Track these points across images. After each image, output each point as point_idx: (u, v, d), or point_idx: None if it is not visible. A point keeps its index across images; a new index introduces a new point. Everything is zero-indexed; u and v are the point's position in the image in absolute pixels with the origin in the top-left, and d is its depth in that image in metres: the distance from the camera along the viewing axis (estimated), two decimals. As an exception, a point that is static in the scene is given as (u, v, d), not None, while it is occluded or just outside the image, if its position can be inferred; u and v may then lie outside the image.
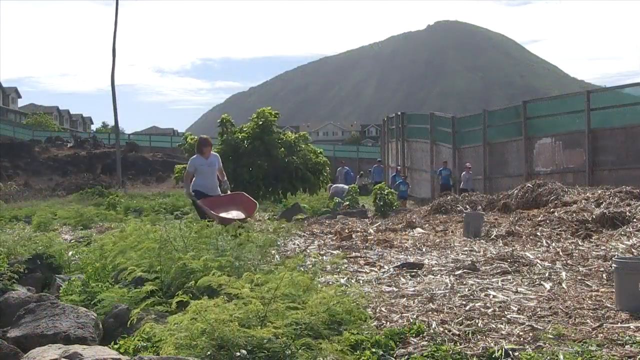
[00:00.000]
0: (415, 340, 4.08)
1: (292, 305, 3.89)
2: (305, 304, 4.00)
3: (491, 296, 5.21)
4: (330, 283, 5.69)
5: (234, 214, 8.08)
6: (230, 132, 17.26)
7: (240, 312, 3.61)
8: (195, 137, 18.29)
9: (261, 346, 3.53)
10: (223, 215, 7.97)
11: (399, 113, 31.00)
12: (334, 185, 21.08)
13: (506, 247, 8.04)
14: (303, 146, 17.63)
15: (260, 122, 17.03)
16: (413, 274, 6.38)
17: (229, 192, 9.10)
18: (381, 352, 3.84)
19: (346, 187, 18.79)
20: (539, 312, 4.66)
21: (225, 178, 9.10)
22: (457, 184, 21.33)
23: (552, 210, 10.23)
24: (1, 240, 7.78)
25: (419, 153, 28.20)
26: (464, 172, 20.55)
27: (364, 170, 34.67)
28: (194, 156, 8.90)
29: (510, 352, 3.73)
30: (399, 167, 25.54)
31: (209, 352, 3.46)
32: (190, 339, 3.48)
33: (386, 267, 6.86)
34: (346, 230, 10.23)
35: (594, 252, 7.06)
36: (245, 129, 17.32)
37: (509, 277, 6.04)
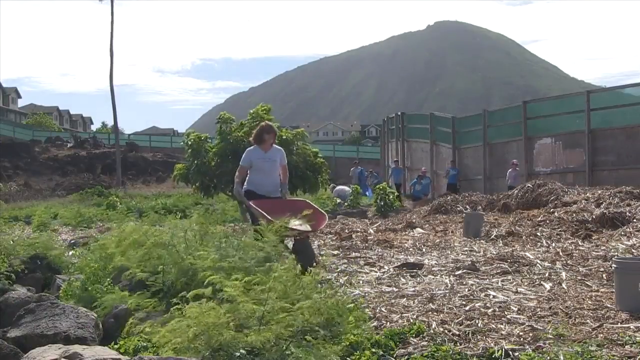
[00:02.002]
0: (415, 340, 4.08)
1: (288, 307, 3.89)
2: (305, 303, 4.00)
3: (491, 296, 5.21)
4: (330, 283, 5.69)
5: (297, 226, 6.30)
6: (229, 131, 17.22)
7: (235, 315, 3.60)
8: (198, 134, 18.22)
9: (260, 347, 3.52)
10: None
11: (399, 113, 31.00)
12: (339, 187, 21.09)
13: (506, 247, 8.04)
14: (300, 144, 17.57)
15: (255, 123, 16.99)
16: (413, 274, 6.38)
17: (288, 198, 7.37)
18: (381, 352, 3.84)
19: (348, 189, 18.80)
20: (539, 312, 4.65)
21: (287, 180, 7.35)
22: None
23: (552, 210, 10.23)
24: (1, 240, 7.78)
25: (418, 153, 28.21)
26: (510, 169, 18.79)
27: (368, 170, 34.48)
28: (251, 147, 7.18)
29: (510, 352, 3.73)
30: (423, 168, 23.97)
31: (207, 354, 3.46)
32: (188, 342, 3.47)
33: (386, 267, 6.85)
34: (346, 231, 10.24)
35: (594, 252, 7.06)
36: (244, 127, 17.28)
37: (509, 277, 6.04)
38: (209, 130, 20.67)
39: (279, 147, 7.30)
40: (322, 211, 6.82)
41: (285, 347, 3.57)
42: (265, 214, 6.27)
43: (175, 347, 3.46)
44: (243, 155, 7.21)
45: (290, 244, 6.58)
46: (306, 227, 6.33)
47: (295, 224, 6.21)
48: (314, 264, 5.85)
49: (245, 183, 7.08)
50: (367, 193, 23.42)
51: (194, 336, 3.48)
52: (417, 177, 22.24)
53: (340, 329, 4.10)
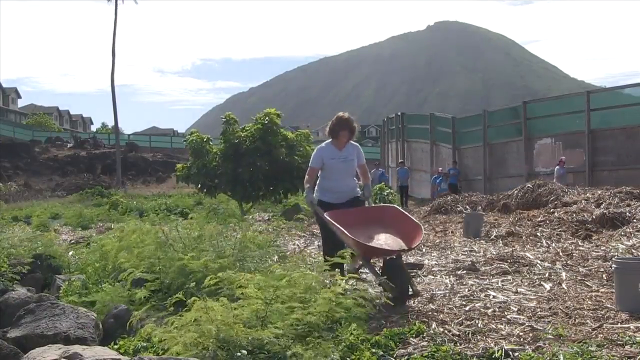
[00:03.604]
0: (415, 340, 4.08)
1: (293, 306, 3.89)
2: (306, 303, 4.00)
3: (491, 296, 5.21)
4: (330, 284, 5.69)
5: (388, 241, 5.05)
6: (232, 131, 17.24)
7: (245, 313, 3.62)
8: (200, 135, 18.23)
9: (262, 347, 3.53)
10: (369, 242, 4.99)
11: (399, 113, 31.02)
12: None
13: (506, 247, 8.03)
14: (306, 146, 17.61)
15: (266, 123, 17.01)
16: (413, 274, 6.38)
17: (370, 204, 6.02)
18: (381, 352, 3.84)
19: None
20: (539, 313, 4.65)
21: (369, 181, 6.10)
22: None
23: (552, 210, 10.23)
24: (1, 240, 7.78)
25: (418, 153, 28.22)
26: (557, 167, 17.49)
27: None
28: (322, 144, 5.96)
29: (510, 352, 3.73)
30: (440, 169, 23.32)
31: (209, 353, 3.47)
32: (199, 339, 3.48)
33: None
34: (346, 231, 10.21)
35: (594, 253, 7.06)
36: (248, 129, 17.31)
37: (509, 277, 6.04)
38: (209, 130, 20.67)
39: (355, 143, 6.00)
40: (417, 221, 5.31)
41: (288, 346, 3.58)
42: (346, 232, 4.88)
43: (186, 341, 3.47)
44: (313, 154, 5.97)
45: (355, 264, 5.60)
46: (398, 244, 4.97)
47: (381, 240, 5.01)
48: (411, 292, 4.75)
49: (315, 190, 5.88)
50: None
51: (205, 330, 3.49)
52: (443, 174, 21.67)
53: (342, 328, 4.11)
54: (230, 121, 17.55)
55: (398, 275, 4.83)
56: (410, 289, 4.86)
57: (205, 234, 6.01)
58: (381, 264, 5.37)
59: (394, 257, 5.01)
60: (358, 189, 5.96)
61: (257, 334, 3.49)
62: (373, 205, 6.10)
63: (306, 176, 5.94)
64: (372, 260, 5.19)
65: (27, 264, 6.84)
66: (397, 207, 5.77)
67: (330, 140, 5.90)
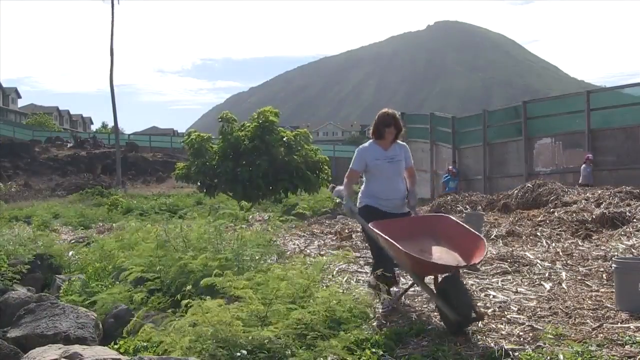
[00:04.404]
0: (415, 340, 4.08)
1: (293, 306, 3.90)
2: (306, 303, 4.01)
3: (491, 296, 5.21)
4: (330, 284, 5.69)
5: (442, 256, 4.40)
6: (231, 131, 17.25)
7: (242, 313, 3.62)
8: (200, 133, 18.23)
9: (262, 346, 3.53)
10: (422, 256, 4.31)
11: (399, 113, 30.96)
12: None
13: (506, 247, 8.03)
14: (305, 145, 17.62)
15: (261, 121, 17.03)
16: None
17: (419, 213, 5.45)
18: (381, 352, 3.84)
19: None
20: (539, 312, 4.65)
21: (415, 187, 5.42)
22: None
23: (552, 210, 10.23)
24: (1, 240, 7.79)
25: (418, 153, 28.16)
26: (583, 165, 16.57)
27: None
28: (365, 144, 5.34)
29: (510, 352, 3.73)
30: (449, 167, 23.12)
31: (208, 354, 3.47)
32: (197, 341, 3.48)
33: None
34: (346, 231, 10.23)
35: (594, 252, 7.06)
36: (246, 127, 17.33)
37: (509, 277, 6.04)
38: (209, 130, 20.65)
39: (403, 143, 5.38)
40: (476, 232, 4.57)
41: (287, 345, 3.58)
42: (395, 243, 4.26)
43: (185, 345, 3.47)
44: (355, 154, 5.28)
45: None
46: (455, 259, 4.30)
47: (435, 255, 4.40)
48: (473, 314, 4.05)
49: (359, 195, 5.29)
50: None
51: (203, 332, 3.49)
52: (451, 173, 21.41)
53: (342, 328, 4.11)
54: (229, 120, 17.55)
55: (458, 295, 4.05)
56: (473, 311, 4.03)
57: (205, 233, 6.01)
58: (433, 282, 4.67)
59: (451, 274, 4.24)
60: (405, 202, 5.26)
61: (256, 334, 3.49)
62: (421, 214, 5.22)
63: (344, 180, 5.31)
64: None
65: (27, 264, 6.84)
66: (452, 217, 4.95)
67: (372, 140, 5.25)
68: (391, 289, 4.87)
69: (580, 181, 16.06)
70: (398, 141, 5.27)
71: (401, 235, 4.46)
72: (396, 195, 5.13)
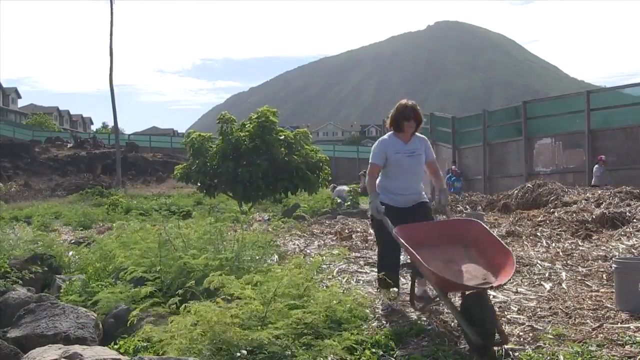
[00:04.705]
0: (415, 340, 4.08)
1: (292, 305, 3.90)
2: (306, 303, 4.01)
3: (491, 296, 5.21)
4: (330, 284, 5.69)
5: (469, 269, 4.05)
6: (230, 131, 17.25)
7: (241, 314, 3.62)
8: (201, 133, 18.23)
9: (261, 347, 3.53)
10: (447, 268, 4.05)
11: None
12: (339, 187, 21.06)
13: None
14: (306, 146, 17.62)
15: (261, 121, 17.03)
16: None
17: (446, 216, 4.93)
18: (381, 352, 3.84)
19: (347, 189, 18.78)
20: (539, 312, 4.66)
21: (444, 184, 5.16)
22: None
23: (552, 210, 10.23)
24: (2, 240, 7.79)
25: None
26: (596, 166, 16.22)
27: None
28: (384, 137, 5.06)
29: (511, 352, 3.73)
30: (453, 167, 22.77)
31: (208, 354, 3.47)
32: (192, 344, 3.48)
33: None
34: (346, 231, 10.23)
35: (594, 252, 7.06)
36: (246, 127, 17.33)
37: (509, 277, 6.04)
38: (209, 130, 20.63)
39: (422, 136, 5.09)
40: (505, 244, 4.16)
41: (287, 346, 3.58)
42: (420, 258, 3.96)
43: (181, 346, 3.47)
44: (373, 147, 5.01)
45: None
46: (482, 275, 3.95)
47: (461, 267, 4.05)
48: (497, 336, 3.75)
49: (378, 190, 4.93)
50: None
51: (201, 336, 3.49)
52: (455, 173, 21.18)
53: (342, 328, 4.11)
54: (228, 120, 17.55)
55: (482, 316, 3.74)
56: (497, 333, 3.75)
57: (205, 233, 6.01)
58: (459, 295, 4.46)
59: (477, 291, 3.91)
60: (424, 193, 5.06)
61: (255, 335, 3.49)
62: (451, 217, 4.87)
63: (366, 177, 5.01)
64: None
65: (27, 264, 6.84)
66: (482, 223, 4.50)
67: (392, 132, 4.96)
68: (391, 289, 4.82)
69: (592, 182, 15.69)
70: (417, 134, 4.99)
71: (427, 242, 4.22)
72: (413, 191, 4.90)
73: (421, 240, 4.22)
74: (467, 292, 3.98)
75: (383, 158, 4.87)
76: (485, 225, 4.42)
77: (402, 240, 4.20)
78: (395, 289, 4.87)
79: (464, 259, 4.14)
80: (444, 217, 4.94)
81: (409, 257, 4.47)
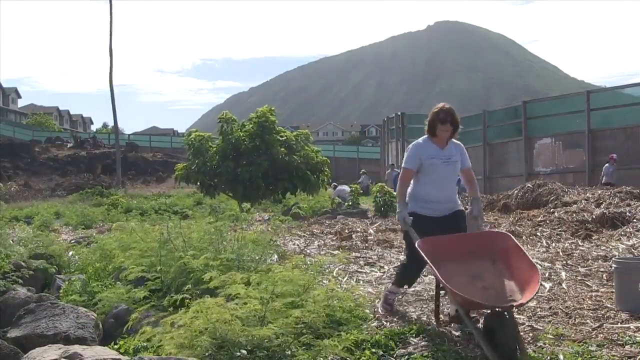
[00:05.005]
0: (415, 340, 4.08)
1: (292, 304, 3.90)
2: (305, 302, 4.01)
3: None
4: (329, 284, 5.69)
5: (495, 285, 3.96)
6: (230, 131, 17.25)
7: (241, 312, 3.62)
8: (201, 133, 18.21)
9: (261, 345, 3.53)
10: (472, 283, 3.95)
11: (399, 113, 31.00)
12: (339, 187, 21.06)
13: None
14: (306, 147, 17.63)
15: (261, 121, 17.03)
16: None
17: (480, 225, 4.73)
18: (381, 352, 3.84)
19: (348, 189, 18.79)
20: (539, 312, 4.66)
21: (478, 194, 4.92)
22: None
23: (552, 210, 10.23)
24: (2, 240, 7.78)
25: (419, 153, 28.16)
26: (606, 164, 16.02)
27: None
28: (419, 140, 4.74)
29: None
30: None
31: (208, 352, 3.47)
32: (190, 339, 3.48)
33: (386, 267, 6.86)
34: (346, 231, 10.23)
35: (594, 252, 7.06)
36: (245, 127, 17.33)
37: (509, 277, 6.03)
38: (209, 130, 20.62)
39: (458, 142, 4.80)
40: (531, 259, 3.99)
41: (287, 345, 3.58)
42: (440, 276, 3.83)
43: (179, 341, 3.47)
44: (407, 151, 4.70)
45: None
46: (508, 290, 3.85)
47: (487, 282, 3.91)
48: (518, 354, 3.59)
49: (408, 197, 4.65)
50: None
51: (200, 331, 3.49)
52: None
53: (342, 328, 4.11)
54: (228, 120, 17.55)
55: (503, 333, 3.62)
56: (518, 350, 3.60)
57: (206, 234, 6.01)
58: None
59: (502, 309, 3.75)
60: (459, 202, 4.78)
61: (256, 333, 3.49)
62: (482, 228, 4.62)
63: (399, 183, 4.67)
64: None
65: (27, 264, 6.84)
66: (511, 236, 4.29)
67: (427, 136, 4.68)
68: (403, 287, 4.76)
69: (603, 180, 15.53)
70: (453, 140, 4.71)
71: (453, 255, 4.05)
72: (447, 199, 4.61)
73: (446, 253, 4.06)
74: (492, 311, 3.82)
75: (417, 163, 4.57)
76: (515, 240, 4.18)
77: (424, 255, 4.02)
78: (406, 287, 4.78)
79: (491, 274, 3.99)
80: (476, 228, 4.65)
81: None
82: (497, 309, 3.73)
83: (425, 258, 4.00)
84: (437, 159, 4.56)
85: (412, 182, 4.64)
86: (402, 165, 4.66)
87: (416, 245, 4.15)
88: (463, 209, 4.70)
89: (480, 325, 4.03)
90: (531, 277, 3.78)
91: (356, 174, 34.15)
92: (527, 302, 3.88)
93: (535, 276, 3.77)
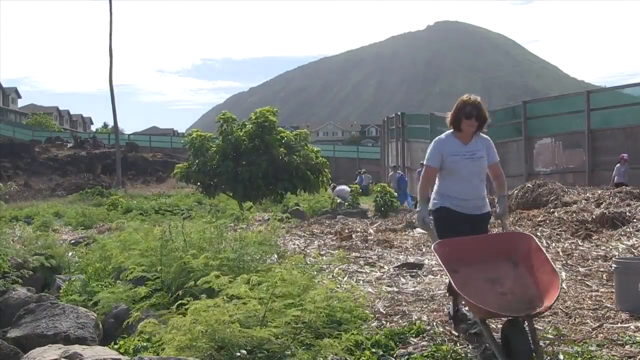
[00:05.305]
0: (415, 340, 4.08)
1: (291, 304, 3.90)
2: (305, 302, 4.01)
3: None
4: (329, 283, 5.69)
5: (515, 290, 3.78)
6: (230, 130, 17.25)
7: (240, 313, 3.62)
8: (202, 133, 18.25)
9: (261, 346, 3.53)
10: (491, 289, 3.80)
11: (399, 113, 31.00)
12: (339, 188, 21.06)
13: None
14: (305, 147, 17.64)
15: (260, 121, 17.04)
16: (413, 274, 6.38)
17: (505, 225, 4.60)
18: (381, 352, 3.84)
19: (348, 189, 18.79)
20: (539, 312, 4.65)
21: (506, 190, 4.67)
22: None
23: (552, 210, 10.22)
24: (2, 240, 7.79)
25: (419, 153, 28.17)
26: (617, 165, 15.67)
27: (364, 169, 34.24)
28: (441, 136, 4.49)
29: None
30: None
31: (208, 353, 3.47)
32: (191, 341, 3.48)
33: (386, 267, 6.86)
34: (346, 231, 10.23)
35: (594, 252, 7.06)
36: (245, 127, 17.34)
37: (509, 277, 6.03)
38: (209, 130, 20.63)
39: (485, 136, 4.54)
40: (553, 263, 3.80)
41: (287, 346, 3.58)
42: (455, 285, 3.65)
43: (180, 344, 3.47)
44: (429, 148, 4.46)
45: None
46: (528, 296, 3.68)
47: (505, 287, 3.74)
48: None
49: (432, 195, 4.47)
50: (407, 201, 20.18)
51: (200, 334, 3.49)
52: None
53: (342, 328, 4.11)
54: (228, 120, 17.55)
55: (519, 343, 3.50)
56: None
57: (205, 233, 6.01)
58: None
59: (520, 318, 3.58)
60: (487, 201, 4.45)
61: (255, 333, 3.49)
62: (508, 228, 4.29)
63: (420, 181, 4.45)
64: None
65: (27, 264, 6.84)
66: (534, 237, 4.12)
67: (451, 131, 4.40)
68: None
69: (615, 180, 15.22)
70: (480, 133, 4.42)
71: (472, 258, 3.85)
72: (476, 195, 4.32)
73: (465, 256, 3.87)
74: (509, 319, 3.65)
75: (439, 159, 4.32)
76: (537, 242, 3.98)
77: (439, 258, 3.86)
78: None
79: (511, 278, 3.80)
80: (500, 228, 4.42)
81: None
82: (513, 318, 3.57)
83: (440, 262, 3.85)
84: (460, 155, 4.30)
85: (437, 180, 4.43)
86: (425, 162, 4.46)
87: (432, 247, 3.99)
88: (490, 211, 4.45)
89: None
90: (552, 282, 3.60)
91: (363, 173, 34.11)
92: (545, 311, 3.66)
93: (555, 281, 3.60)
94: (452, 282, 3.68)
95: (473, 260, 3.85)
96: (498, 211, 4.36)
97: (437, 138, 4.46)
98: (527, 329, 3.57)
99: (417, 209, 4.35)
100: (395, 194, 16.48)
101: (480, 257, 3.89)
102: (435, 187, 4.43)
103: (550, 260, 3.79)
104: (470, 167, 4.31)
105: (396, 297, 5.32)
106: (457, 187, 4.31)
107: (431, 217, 4.30)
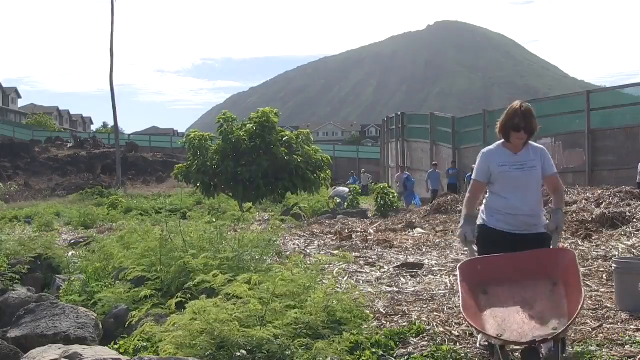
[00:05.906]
0: (415, 340, 4.09)
1: (291, 304, 3.90)
2: (305, 302, 4.01)
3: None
4: (328, 283, 5.69)
5: (546, 312, 3.36)
6: (230, 130, 17.24)
7: (239, 312, 3.62)
8: (201, 133, 18.26)
9: (261, 346, 3.53)
10: (517, 310, 3.39)
11: (399, 113, 31.00)
12: (338, 188, 21.07)
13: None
14: (306, 147, 17.64)
15: (261, 121, 17.03)
16: (413, 274, 6.38)
17: (556, 241, 3.93)
18: (381, 352, 3.84)
19: (347, 189, 18.78)
20: (539, 312, 4.65)
21: (562, 205, 4.10)
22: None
23: (552, 210, 10.22)
24: (2, 240, 7.79)
25: (419, 153, 28.20)
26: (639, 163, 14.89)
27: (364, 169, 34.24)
28: (491, 146, 4.13)
29: (511, 352, 3.73)
30: (473, 165, 21.52)
31: (208, 352, 3.47)
32: (190, 339, 3.48)
33: (386, 267, 6.86)
34: (346, 231, 10.24)
35: (594, 252, 7.06)
36: (246, 127, 17.33)
37: (509, 277, 6.03)
38: (209, 130, 20.63)
39: (539, 146, 4.13)
40: (580, 281, 3.41)
41: (286, 346, 3.58)
42: (467, 316, 3.32)
43: (178, 341, 3.47)
44: (477, 160, 4.12)
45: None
46: (557, 316, 3.29)
47: (534, 311, 3.35)
48: None
49: (482, 211, 4.10)
50: (414, 201, 19.91)
51: (199, 332, 3.49)
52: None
53: (342, 328, 4.11)
54: (228, 120, 17.55)
55: None
56: None
57: (205, 233, 6.00)
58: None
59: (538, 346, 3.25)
60: (545, 219, 4.02)
61: (255, 333, 3.49)
62: (557, 245, 3.89)
63: (467, 196, 4.10)
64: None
65: (27, 264, 6.84)
66: (574, 252, 3.83)
67: (501, 141, 4.05)
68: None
69: (638, 180, 14.44)
70: (532, 143, 4.06)
71: (507, 277, 3.51)
72: (525, 211, 3.88)
73: (498, 276, 3.53)
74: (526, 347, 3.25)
75: (486, 173, 3.97)
76: (576, 257, 3.64)
77: (459, 277, 3.52)
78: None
79: (544, 299, 3.43)
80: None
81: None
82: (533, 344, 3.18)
83: (458, 282, 3.53)
84: (509, 165, 3.93)
85: (487, 193, 4.08)
86: (472, 176, 4.15)
87: (459, 267, 3.64)
88: (545, 231, 3.93)
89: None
90: (576, 302, 3.25)
91: (356, 174, 34.12)
92: (562, 332, 3.24)
93: (579, 298, 3.25)
94: (461, 304, 3.39)
95: (506, 280, 3.51)
96: (550, 226, 3.89)
97: (484, 149, 4.12)
98: (542, 354, 3.30)
99: (460, 224, 4.08)
100: (397, 194, 16.51)
101: (515, 276, 3.54)
102: (485, 201, 4.10)
103: (580, 278, 3.45)
104: (520, 179, 3.91)
105: (396, 297, 5.33)
106: (504, 200, 3.93)
107: (477, 233, 3.98)
